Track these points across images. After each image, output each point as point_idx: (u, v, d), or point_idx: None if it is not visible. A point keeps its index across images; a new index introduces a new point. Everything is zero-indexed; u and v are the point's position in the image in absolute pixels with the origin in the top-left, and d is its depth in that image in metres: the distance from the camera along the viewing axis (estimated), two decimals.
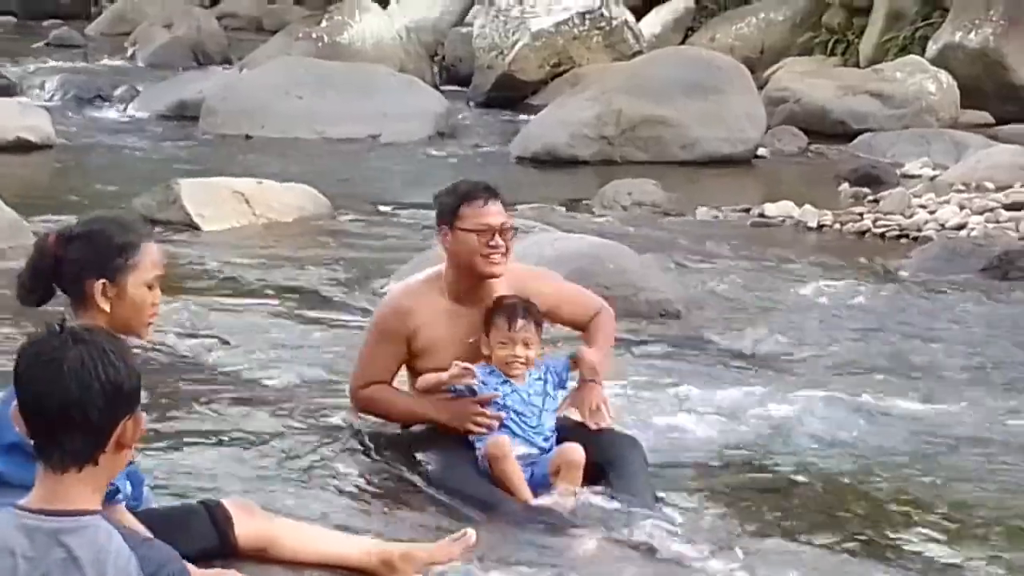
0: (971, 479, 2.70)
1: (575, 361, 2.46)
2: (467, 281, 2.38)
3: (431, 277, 2.49)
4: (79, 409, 0.89)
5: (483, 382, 2.35)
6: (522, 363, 2.36)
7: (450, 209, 2.39)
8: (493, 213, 2.37)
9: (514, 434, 2.34)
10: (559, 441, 2.39)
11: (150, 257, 1.63)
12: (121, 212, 3.57)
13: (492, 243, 2.31)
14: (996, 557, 2.29)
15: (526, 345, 2.35)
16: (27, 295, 1.66)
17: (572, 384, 2.47)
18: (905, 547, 2.30)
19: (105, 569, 0.90)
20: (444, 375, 2.33)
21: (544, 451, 2.37)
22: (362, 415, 2.62)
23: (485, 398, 2.33)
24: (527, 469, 2.33)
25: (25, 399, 0.94)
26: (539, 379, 2.42)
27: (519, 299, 2.41)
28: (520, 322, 2.34)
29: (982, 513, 2.51)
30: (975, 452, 2.89)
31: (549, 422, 2.40)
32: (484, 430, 2.31)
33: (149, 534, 1.17)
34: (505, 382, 2.36)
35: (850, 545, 2.28)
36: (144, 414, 1.01)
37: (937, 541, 2.33)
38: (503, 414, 2.34)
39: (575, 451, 2.26)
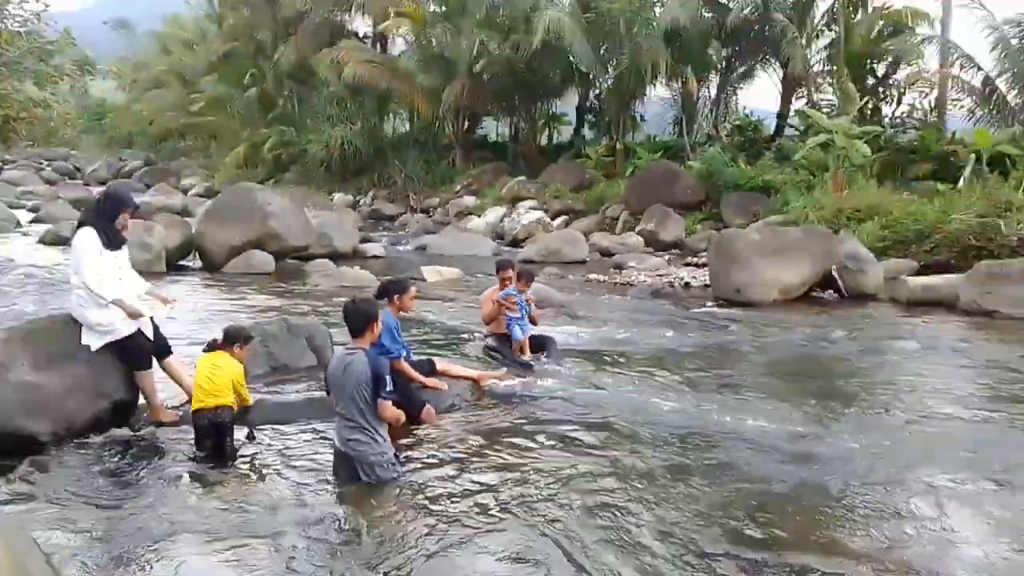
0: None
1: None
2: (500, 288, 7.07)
3: (492, 288, 7.15)
4: (353, 319, 4.35)
5: (511, 293, 6.78)
6: (524, 289, 6.93)
7: (496, 269, 7.24)
8: (505, 273, 7.07)
9: (523, 315, 6.84)
10: (536, 344, 6.96)
11: (414, 291, 5.79)
12: (400, 278, 6.37)
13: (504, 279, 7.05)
14: None
15: (526, 284, 6.97)
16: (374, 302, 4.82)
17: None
18: None
19: (360, 365, 4.17)
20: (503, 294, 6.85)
21: (522, 319, 6.87)
22: (485, 325, 7.21)
23: (510, 296, 6.78)
24: (517, 327, 6.83)
25: (345, 316, 4.36)
26: (523, 299, 6.89)
27: (528, 270, 7.22)
28: (527, 279, 6.98)
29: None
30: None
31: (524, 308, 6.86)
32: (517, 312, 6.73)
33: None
34: (521, 293, 6.88)
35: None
36: (380, 320, 4.55)
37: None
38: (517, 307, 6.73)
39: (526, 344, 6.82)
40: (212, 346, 5.04)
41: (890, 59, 21.62)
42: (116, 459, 4.75)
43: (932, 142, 18.82)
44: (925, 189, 16.61)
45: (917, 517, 4.12)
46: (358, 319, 4.41)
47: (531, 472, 4.60)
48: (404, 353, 5.80)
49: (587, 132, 28.50)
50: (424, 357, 6.26)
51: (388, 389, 4.24)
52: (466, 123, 28.67)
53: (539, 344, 7.24)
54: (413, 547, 3.68)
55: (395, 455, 4.43)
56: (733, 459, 4.88)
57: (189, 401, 5.27)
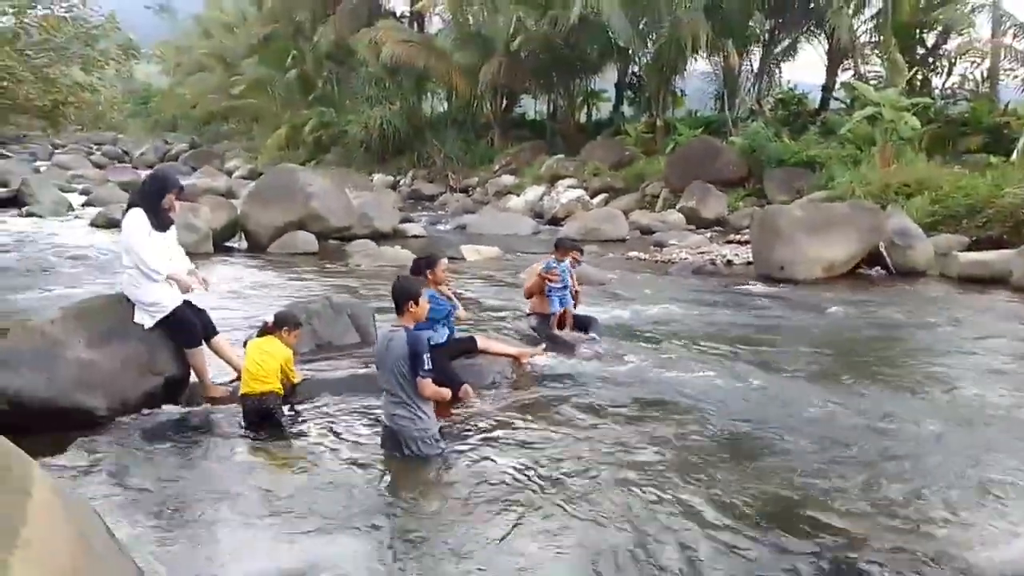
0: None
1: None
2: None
3: (538, 264, 7.57)
4: (396, 297, 4.42)
5: (554, 264, 6.95)
6: (565, 257, 7.10)
7: (555, 245, 7.45)
8: (562, 249, 7.31)
9: (565, 286, 6.99)
10: (578, 322, 7.10)
11: (444, 263, 5.78)
12: (432, 254, 6.12)
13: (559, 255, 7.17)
14: None
15: (565, 253, 7.12)
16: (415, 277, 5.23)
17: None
18: None
19: (399, 342, 4.28)
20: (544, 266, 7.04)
21: (565, 290, 6.99)
22: (527, 299, 7.30)
23: (552, 266, 6.94)
24: (556, 298, 6.98)
25: (391, 293, 4.44)
26: (566, 267, 7.01)
27: (565, 239, 7.67)
28: (566, 248, 7.17)
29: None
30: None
31: (568, 280, 6.99)
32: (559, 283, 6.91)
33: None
34: (562, 263, 7.03)
35: None
36: (424, 303, 4.47)
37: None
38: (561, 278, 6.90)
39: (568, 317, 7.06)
40: (264, 331, 5.14)
41: (940, 28, 20.96)
42: (169, 434, 4.88)
43: (984, 114, 18.25)
44: (977, 162, 16.16)
45: (970, 509, 4.02)
46: (398, 296, 4.49)
47: (569, 450, 4.61)
48: (446, 332, 5.83)
49: (626, 108, 28.20)
50: (466, 334, 6.29)
51: (427, 368, 4.27)
52: (504, 101, 28.56)
53: (582, 323, 7.25)
54: (448, 522, 3.72)
55: (439, 432, 4.48)
56: (780, 441, 4.83)
57: (239, 378, 5.38)
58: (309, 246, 13.75)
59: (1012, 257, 10.75)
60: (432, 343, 4.98)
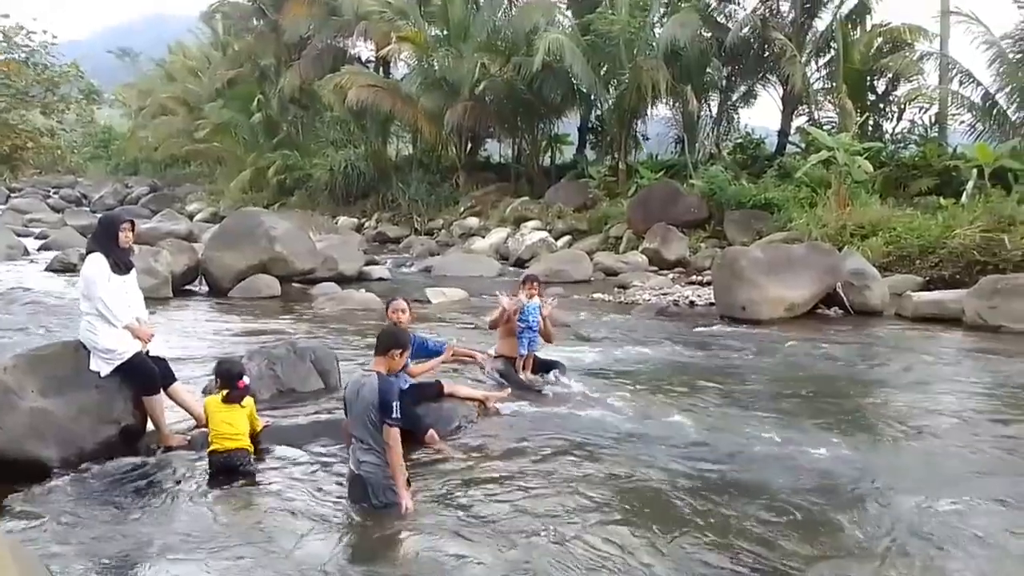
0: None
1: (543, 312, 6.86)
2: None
3: (501, 301, 6.91)
4: (384, 342, 4.40)
5: (523, 303, 6.75)
6: (533, 295, 6.91)
7: (520, 282, 7.18)
8: (527, 284, 7.01)
9: (529, 328, 6.78)
10: (542, 367, 6.96)
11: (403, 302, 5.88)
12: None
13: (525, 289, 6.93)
14: None
15: (535, 290, 6.95)
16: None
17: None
18: None
19: (370, 388, 4.21)
20: (511, 303, 6.79)
21: (534, 333, 6.85)
22: (491, 330, 7.23)
23: (520, 305, 6.73)
24: (527, 339, 6.87)
25: (381, 336, 4.47)
26: (537, 305, 6.85)
27: (535, 275, 7.49)
28: (536, 283, 7.03)
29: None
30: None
31: (537, 319, 6.81)
32: (506, 303, 6.73)
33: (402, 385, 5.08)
34: (528, 300, 6.82)
35: None
36: (404, 357, 4.53)
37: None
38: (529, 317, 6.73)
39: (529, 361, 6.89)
40: (225, 389, 5.06)
41: (890, 75, 21.73)
42: (125, 483, 4.77)
43: (934, 157, 18.88)
44: (928, 204, 16.65)
45: (925, 538, 4.09)
46: (387, 342, 4.47)
47: (536, 495, 4.59)
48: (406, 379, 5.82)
49: (589, 152, 28.61)
50: (431, 378, 6.27)
51: (395, 416, 4.22)
52: (469, 145, 28.85)
53: (546, 366, 7.25)
54: (411, 570, 3.68)
55: (407, 480, 4.38)
56: (743, 477, 4.88)
57: (197, 426, 5.30)
58: (272, 290, 13.67)
59: (964, 297, 11.06)
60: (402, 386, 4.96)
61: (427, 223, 26.39)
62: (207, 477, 4.85)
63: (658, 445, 5.49)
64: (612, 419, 6.13)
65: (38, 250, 19.68)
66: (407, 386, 5.73)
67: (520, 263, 19.27)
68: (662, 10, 24.28)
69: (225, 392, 5.04)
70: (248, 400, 5.13)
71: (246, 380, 5.18)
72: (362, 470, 4.31)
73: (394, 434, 4.24)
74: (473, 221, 24.82)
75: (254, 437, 5.15)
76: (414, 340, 5.76)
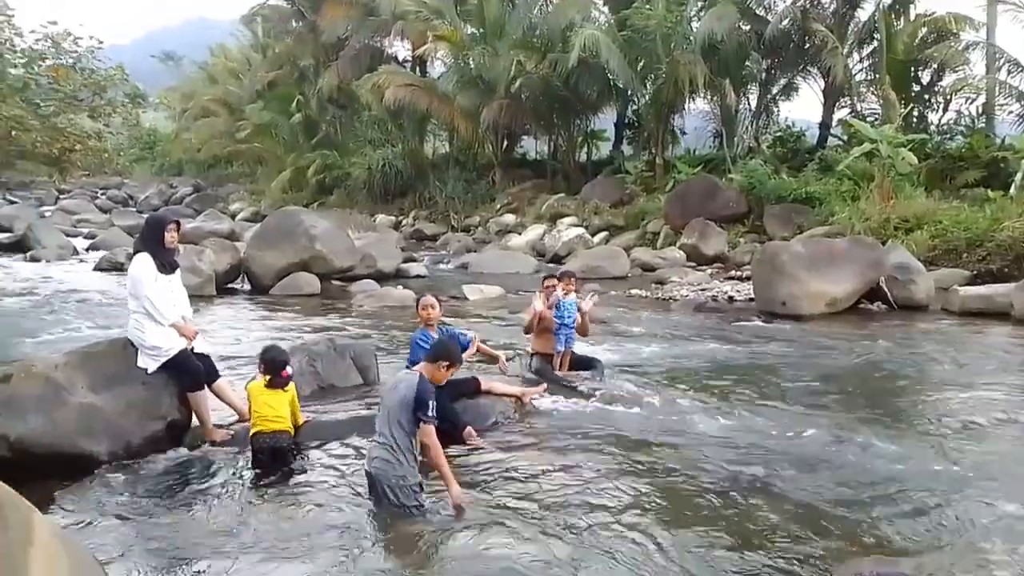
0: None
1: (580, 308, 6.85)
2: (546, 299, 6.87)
3: (537, 299, 6.86)
4: (438, 351, 4.42)
5: (559, 298, 6.74)
6: (570, 290, 6.89)
7: (542, 281, 7.15)
8: (549, 282, 6.98)
9: (564, 324, 6.76)
10: (578, 364, 6.97)
11: (432, 298, 5.86)
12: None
13: (548, 289, 6.88)
14: None
15: (571, 285, 6.91)
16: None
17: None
18: None
19: (408, 385, 4.16)
20: (553, 298, 6.78)
21: (571, 329, 6.82)
22: (527, 335, 7.17)
23: (556, 300, 6.74)
24: (564, 336, 6.82)
25: (437, 345, 4.53)
26: (574, 301, 6.85)
27: (571, 271, 7.48)
28: (572, 279, 6.99)
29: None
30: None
31: (575, 316, 6.79)
32: (537, 306, 6.72)
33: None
34: (565, 295, 6.82)
35: None
36: (451, 372, 4.38)
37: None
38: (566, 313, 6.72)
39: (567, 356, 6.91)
40: (268, 375, 5.11)
41: (935, 66, 21.18)
42: (171, 477, 4.87)
43: (981, 148, 18.38)
44: (975, 197, 16.23)
45: (988, 539, 3.98)
46: (436, 348, 4.49)
47: (576, 490, 4.57)
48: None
49: (626, 147, 28.44)
50: (468, 375, 6.28)
51: (431, 414, 4.17)
52: (505, 142, 28.85)
53: (583, 364, 7.22)
54: (461, 569, 3.68)
55: (419, 484, 4.25)
56: (783, 479, 4.80)
57: (239, 421, 5.38)
58: (312, 287, 13.81)
59: (1013, 291, 10.75)
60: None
61: (463, 220, 26.48)
62: (250, 460, 4.92)
63: (697, 443, 5.43)
64: (650, 416, 6.09)
65: (87, 250, 20.09)
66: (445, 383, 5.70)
67: (556, 259, 19.18)
68: (699, 4, 24.01)
69: (268, 378, 5.10)
70: (291, 386, 5.18)
71: (290, 370, 5.22)
72: (372, 466, 4.22)
73: (429, 430, 4.18)
74: (509, 218, 24.84)
75: (296, 429, 5.21)
76: (446, 332, 5.90)
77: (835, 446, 5.38)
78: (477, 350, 6.40)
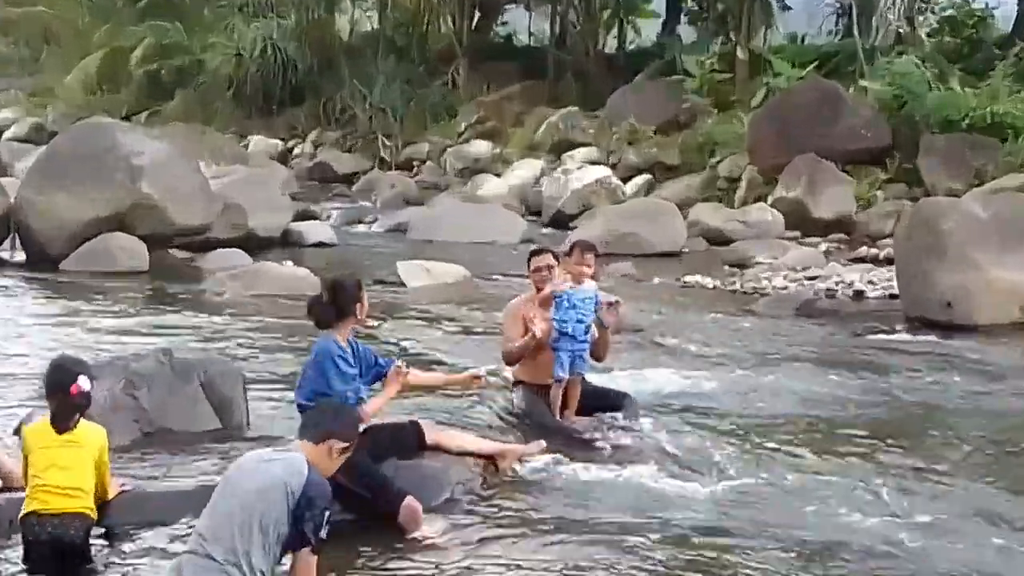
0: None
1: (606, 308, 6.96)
2: (537, 293, 7.16)
3: (527, 296, 7.38)
4: (311, 424, 4.37)
5: (562, 289, 6.79)
6: (585, 275, 6.89)
7: (527, 260, 7.40)
8: (542, 260, 7.19)
9: (571, 336, 6.78)
10: (594, 403, 7.11)
11: (364, 293, 5.88)
12: (349, 275, 6.60)
13: (542, 275, 7.09)
14: None
15: (587, 266, 6.89)
16: (317, 319, 5.81)
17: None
18: None
19: (289, 473, 4.04)
20: (549, 288, 6.95)
21: (582, 343, 6.86)
22: (508, 367, 7.38)
23: (552, 292, 6.89)
24: (569, 355, 6.83)
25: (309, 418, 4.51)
26: (591, 295, 6.88)
27: (588, 240, 7.69)
28: (587, 254, 6.94)
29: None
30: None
31: (588, 321, 6.82)
32: (539, 330, 6.71)
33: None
34: (572, 287, 6.80)
35: None
36: (344, 456, 4.29)
37: None
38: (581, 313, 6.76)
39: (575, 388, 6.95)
40: (55, 403, 5.03)
41: None
42: None
43: None
44: None
45: None
46: (315, 420, 4.50)
47: None
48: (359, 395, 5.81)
49: (685, 30, 28.36)
50: (405, 419, 6.27)
51: (322, 536, 4.04)
52: (476, 14, 28.69)
53: (603, 400, 7.29)
54: None
55: None
56: None
57: (4, 489, 5.33)
58: (135, 260, 13.84)
59: None
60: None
61: (401, 150, 26.41)
62: (23, 559, 4.84)
63: (777, 549, 5.38)
64: (722, 498, 6.09)
65: None
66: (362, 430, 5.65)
67: (561, 220, 19.55)
68: None
69: (56, 410, 5.02)
70: (95, 431, 5.10)
71: (83, 384, 5.06)
72: None
73: (310, 565, 4.10)
74: (481, 147, 24.96)
75: (102, 508, 5.15)
76: (362, 351, 5.96)
77: None
78: (401, 383, 6.17)
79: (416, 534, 5.42)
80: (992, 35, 22.98)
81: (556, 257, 7.33)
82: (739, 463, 6.66)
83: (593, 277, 7.23)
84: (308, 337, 7.41)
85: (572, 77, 26.92)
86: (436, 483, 5.98)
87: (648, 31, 29.88)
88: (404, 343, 9.85)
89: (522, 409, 7.22)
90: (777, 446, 7.14)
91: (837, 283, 13.77)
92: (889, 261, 14.14)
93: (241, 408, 6.81)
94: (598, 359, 7.38)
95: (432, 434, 6.22)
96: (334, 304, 5.85)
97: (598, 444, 6.84)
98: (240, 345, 9.48)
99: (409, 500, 5.49)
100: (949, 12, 24.18)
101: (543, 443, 6.58)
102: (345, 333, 5.90)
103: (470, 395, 7.52)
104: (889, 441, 7.38)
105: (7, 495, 5.32)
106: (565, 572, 5.08)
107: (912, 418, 8.15)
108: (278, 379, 8.18)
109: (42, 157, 15.90)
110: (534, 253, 7.57)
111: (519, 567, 5.14)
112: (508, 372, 7.57)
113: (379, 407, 6.02)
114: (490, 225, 18.76)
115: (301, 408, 5.58)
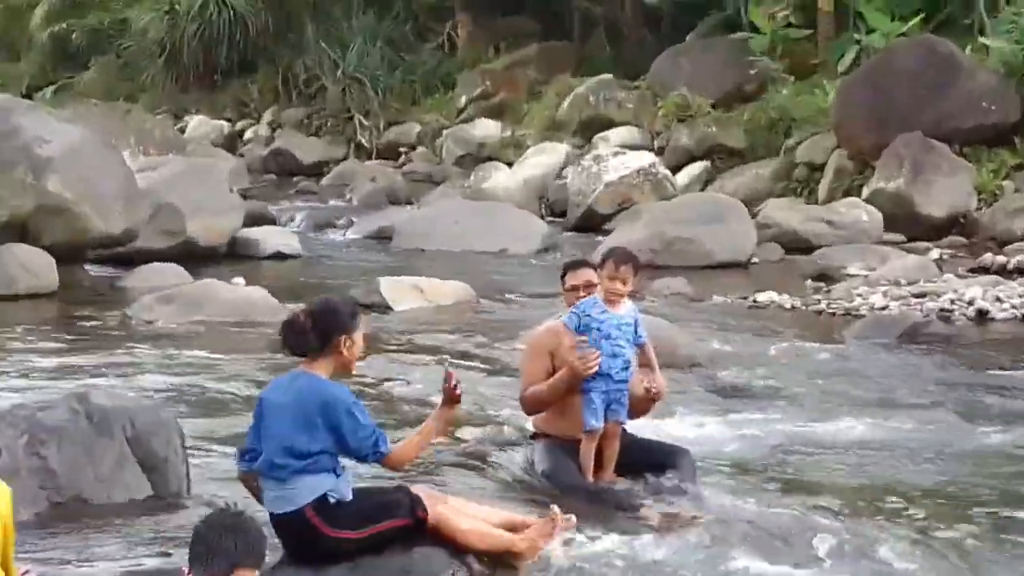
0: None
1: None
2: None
3: (554, 323, 7.28)
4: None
5: (587, 313, 6.70)
6: (619, 295, 6.77)
7: (560, 276, 7.38)
8: (579, 276, 7.16)
9: (608, 376, 6.67)
10: (637, 459, 7.04)
11: (364, 323, 5.96)
12: (343, 296, 7.29)
13: (579, 296, 6.97)
14: None
15: (623, 282, 6.74)
16: (287, 348, 5.56)
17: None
18: None
19: None
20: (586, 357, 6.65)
21: (620, 383, 6.77)
22: (527, 415, 7.44)
23: (582, 340, 6.70)
24: (603, 398, 6.73)
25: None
26: (630, 320, 6.85)
27: (626, 249, 7.74)
28: (623, 266, 6.75)
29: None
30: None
31: (628, 355, 6.79)
32: (582, 366, 6.54)
33: None
34: (604, 311, 6.70)
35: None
36: None
37: None
38: (599, 353, 6.57)
39: (613, 441, 6.85)
40: None
41: None
42: None
43: None
44: None
45: None
46: (197, 542, 4.06)
47: None
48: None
49: None
50: (394, 482, 6.19)
51: None
52: None
53: (651, 456, 7.24)
54: None
55: None
56: None
57: None
58: (39, 278, 13.83)
59: None
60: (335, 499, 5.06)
61: (383, 132, 26.46)
62: None
63: None
64: None
65: None
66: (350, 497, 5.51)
67: (591, 222, 19.97)
68: None
69: None
70: (4, 507, 5.09)
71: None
72: None
73: None
74: (487, 127, 25.25)
75: None
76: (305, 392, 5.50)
77: None
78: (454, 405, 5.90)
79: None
80: None
81: (593, 269, 7.22)
82: (839, 544, 6.51)
83: (633, 296, 7.25)
84: (268, 374, 7.34)
85: (604, 35, 26.92)
86: (429, 569, 5.75)
87: None
88: (387, 384, 9.97)
89: (544, 470, 7.12)
90: (866, 511, 7.07)
91: (954, 301, 13.77)
92: (1021, 272, 14.27)
93: (178, 470, 6.81)
94: (643, 411, 7.32)
95: (436, 509, 5.68)
96: (316, 329, 5.52)
97: (643, 514, 6.77)
98: (176, 388, 9.45)
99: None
100: None
101: (573, 518, 6.27)
102: (328, 372, 5.59)
103: (470, 452, 7.65)
104: (1010, 507, 7.24)
105: None
106: None
107: None
108: (226, 433, 8.18)
109: None
110: (570, 266, 7.50)
111: None
112: (528, 422, 7.60)
113: (420, 448, 5.96)
114: (499, 230, 18.97)
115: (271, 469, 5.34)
